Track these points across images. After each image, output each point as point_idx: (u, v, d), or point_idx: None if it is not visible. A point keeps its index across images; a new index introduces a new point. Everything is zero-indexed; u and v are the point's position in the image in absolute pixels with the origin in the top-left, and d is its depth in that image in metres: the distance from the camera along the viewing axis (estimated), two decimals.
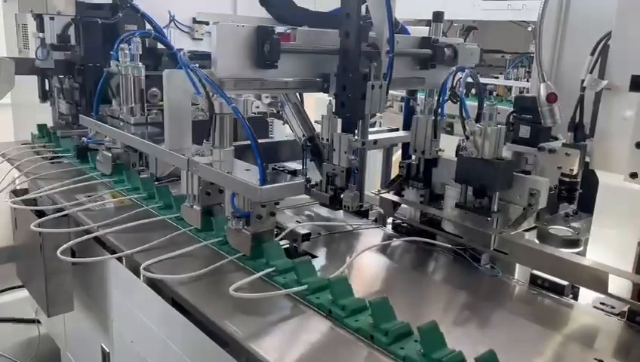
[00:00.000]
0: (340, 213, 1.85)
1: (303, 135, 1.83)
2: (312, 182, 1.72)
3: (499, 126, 1.39)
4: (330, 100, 1.61)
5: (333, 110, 1.59)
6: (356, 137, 1.61)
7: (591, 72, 1.36)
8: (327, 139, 1.64)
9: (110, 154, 2.03)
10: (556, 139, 1.50)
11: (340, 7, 1.59)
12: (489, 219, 1.41)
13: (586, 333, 1.20)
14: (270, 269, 1.29)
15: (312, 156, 1.78)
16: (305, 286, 1.22)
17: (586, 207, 1.48)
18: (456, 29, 3.46)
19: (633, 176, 1.18)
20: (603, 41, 1.37)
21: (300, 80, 1.62)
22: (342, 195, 1.60)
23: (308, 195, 1.70)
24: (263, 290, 1.23)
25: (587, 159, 1.40)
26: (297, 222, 1.73)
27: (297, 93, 1.89)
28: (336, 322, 1.13)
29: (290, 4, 1.75)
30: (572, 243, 1.41)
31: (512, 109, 1.55)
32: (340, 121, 1.61)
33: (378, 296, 1.11)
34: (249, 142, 1.32)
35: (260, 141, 1.33)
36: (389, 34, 1.58)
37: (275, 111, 2.97)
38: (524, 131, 1.48)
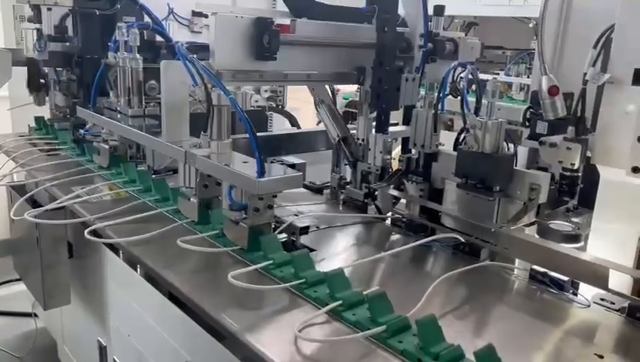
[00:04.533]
0: (339, 207, 1.84)
1: (338, 135, 1.88)
2: (347, 180, 1.83)
3: (499, 120, 1.38)
4: (358, 93, 1.76)
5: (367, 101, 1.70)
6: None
7: (593, 66, 1.34)
8: (363, 140, 1.74)
9: (107, 147, 2.02)
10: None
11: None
12: (491, 199, 1.39)
13: (585, 329, 1.19)
14: (268, 262, 1.28)
15: (345, 156, 1.85)
16: (302, 280, 1.21)
17: (587, 202, 1.47)
18: (457, 25, 3.44)
19: (635, 170, 1.17)
20: (606, 34, 1.35)
21: (334, 72, 1.72)
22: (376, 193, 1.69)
23: (342, 190, 1.84)
24: (260, 283, 1.22)
25: (588, 154, 1.39)
26: (296, 215, 1.71)
27: (329, 93, 1.95)
28: (334, 315, 1.12)
29: None
30: (572, 238, 1.40)
31: (511, 105, 1.54)
32: (374, 123, 1.72)
33: (376, 290, 1.10)
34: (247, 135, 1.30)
35: (258, 134, 1.32)
36: (423, 29, 1.69)
37: (274, 105, 2.97)
38: (542, 127, 1.47)
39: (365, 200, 1.75)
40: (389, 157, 1.68)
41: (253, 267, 1.28)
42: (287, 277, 1.24)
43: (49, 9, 2.28)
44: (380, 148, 1.66)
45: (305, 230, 1.53)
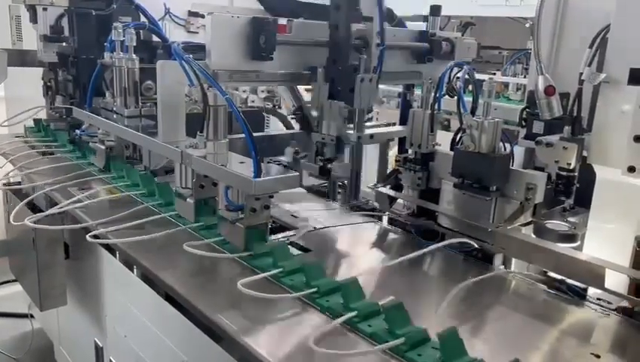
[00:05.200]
0: (336, 206, 1.84)
1: (293, 105, 1.81)
2: (302, 154, 1.68)
3: (496, 120, 1.38)
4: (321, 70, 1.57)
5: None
6: (351, 131, 1.59)
7: (589, 65, 1.35)
8: (317, 107, 1.57)
9: (103, 147, 2.00)
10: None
11: None
12: (488, 198, 1.39)
13: (582, 328, 1.19)
14: (277, 270, 1.24)
15: (301, 126, 1.74)
16: (314, 289, 1.16)
17: (583, 201, 1.47)
18: (454, 25, 3.45)
19: (631, 169, 1.17)
20: (602, 34, 1.35)
21: (288, 72, 1.60)
22: (330, 166, 1.54)
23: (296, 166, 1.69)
24: (267, 289, 1.18)
25: (585, 153, 1.39)
26: (292, 216, 1.71)
27: None
28: (347, 326, 1.07)
29: None
30: (569, 237, 1.40)
31: (508, 105, 1.55)
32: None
33: (392, 300, 1.06)
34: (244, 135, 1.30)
35: (255, 134, 1.32)
36: (379, 26, 1.56)
37: (270, 106, 2.96)
38: (538, 127, 1.47)
39: (320, 175, 1.57)
40: (345, 126, 1.51)
41: (262, 275, 1.23)
42: (297, 285, 1.19)
43: (45, 9, 2.27)
44: (335, 116, 1.49)
45: None
